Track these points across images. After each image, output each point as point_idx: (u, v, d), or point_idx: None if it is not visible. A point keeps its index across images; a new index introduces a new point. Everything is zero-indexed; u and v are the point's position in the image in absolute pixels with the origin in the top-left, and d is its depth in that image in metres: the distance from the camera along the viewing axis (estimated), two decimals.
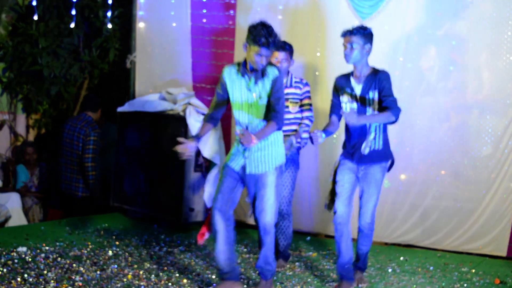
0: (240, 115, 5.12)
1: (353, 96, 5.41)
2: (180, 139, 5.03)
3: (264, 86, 5.03)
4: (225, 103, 5.24)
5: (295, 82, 6.14)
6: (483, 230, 6.86)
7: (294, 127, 6.05)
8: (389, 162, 5.52)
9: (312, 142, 5.24)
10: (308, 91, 6.18)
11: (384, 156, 5.46)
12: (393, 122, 5.30)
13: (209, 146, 7.44)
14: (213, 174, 7.49)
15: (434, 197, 7.07)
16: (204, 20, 7.99)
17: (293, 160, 6.04)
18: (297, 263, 6.32)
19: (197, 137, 5.15)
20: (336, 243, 5.52)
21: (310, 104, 6.18)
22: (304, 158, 7.06)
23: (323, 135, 5.25)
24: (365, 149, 5.36)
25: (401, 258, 6.58)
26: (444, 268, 6.34)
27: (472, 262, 6.58)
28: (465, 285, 5.81)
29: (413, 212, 7.04)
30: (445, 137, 6.98)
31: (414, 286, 5.71)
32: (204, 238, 5.79)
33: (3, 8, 8.42)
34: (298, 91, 6.12)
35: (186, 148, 4.99)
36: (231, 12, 7.85)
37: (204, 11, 7.98)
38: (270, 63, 5.09)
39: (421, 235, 7.02)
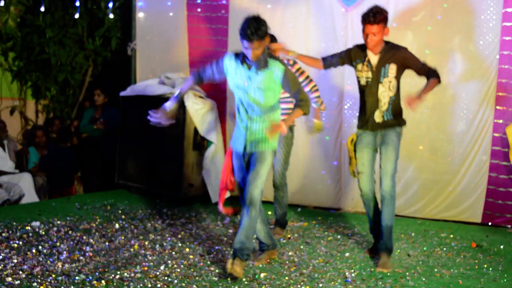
0: (240, 101, 5.03)
1: (368, 66, 5.33)
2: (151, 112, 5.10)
3: (265, 76, 4.87)
4: (212, 78, 5.17)
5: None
6: (459, 199, 6.93)
7: (290, 105, 5.91)
8: (403, 128, 5.43)
9: None
10: (299, 68, 6.04)
11: (397, 123, 5.37)
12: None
13: (206, 126, 7.44)
14: (210, 151, 7.49)
15: (414, 170, 7.12)
16: (199, 9, 7.94)
17: (286, 136, 5.98)
18: (289, 232, 6.33)
19: (175, 97, 5.24)
20: (367, 214, 5.55)
21: (308, 77, 6.06)
22: (296, 132, 7.07)
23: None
24: (379, 118, 5.32)
25: None
26: (425, 234, 6.39)
27: (450, 228, 6.64)
28: (444, 249, 5.86)
29: (396, 184, 7.05)
30: (422, 116, 6.99)
31: (398, 250, 5.74)
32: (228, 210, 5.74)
33: (12, 1, 8.32)
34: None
35: (158, 116, 5.10)
36: (224, 1, 7.80)
37: (199, 1, 7.92)
38: (273, 57, 4.94)
39: (403, 204, 7.05)
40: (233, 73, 5.00)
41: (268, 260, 5.27)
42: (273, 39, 6.00)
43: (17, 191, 7.57)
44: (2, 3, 7.86)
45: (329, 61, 5.58)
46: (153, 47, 8.23)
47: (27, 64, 8.71)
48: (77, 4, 8.19)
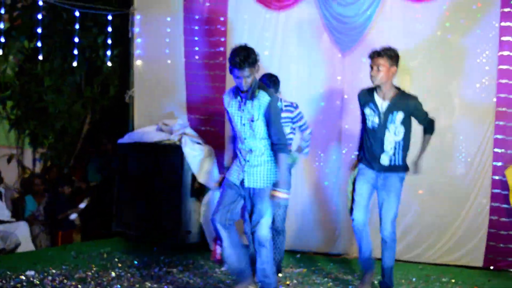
0: (239, 134, 5.07)
1: (375, 112, 5.32)
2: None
3: (254, 107, 4.92)
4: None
5: (285, 106, 6.05)
6: (460, 243, 6.84)
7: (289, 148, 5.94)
8: (406, 173, 5.47)
9: None
10: (300, 112, 6.09)
11: (402, 168, 5.41)
12: None
13: (204, 172, 7.39)
14: (207, 199, 7.43)
15: (414, 215, 7.04)
16: (197, 57, 7.96)
17: None
18: (288, 279, 6.20)
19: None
20: (357, 242, 5.56)
21: (305, 123, 6.13)
22: (294, 178, 7.02)
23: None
24: (385, 161, 5.34)
25: None
26: (426, 279, 6.27)
27: (451, 273, 6.52)
28: None
29: (396, 228, 6.96)
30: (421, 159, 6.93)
31: None
32: (217, 253, 5.62)
33: (11, 51, 8.37)
34: (290, 114, 6.03)
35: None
36: (222, 48, 7.83)
37: (197, 48, 7.96)
38: (263, 88, 4.98)
39: (403, 249, 6.93)
40: (230, 108, 5.07)
41: None
42: (276, 80, 5.99)
43: (13, 240, 7.49)
44: (1, 52, 7.89)
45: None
46: (150, 94, 8.23)
47: (25, 113, 8.71)
48: (75, 52, 8.20)
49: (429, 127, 5.48)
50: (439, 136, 6.87)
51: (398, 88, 5.42)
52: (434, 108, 6.88)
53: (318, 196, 7.41)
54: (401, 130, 5.32)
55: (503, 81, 6.62)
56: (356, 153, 5.77)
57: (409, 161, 5.60)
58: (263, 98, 4.91)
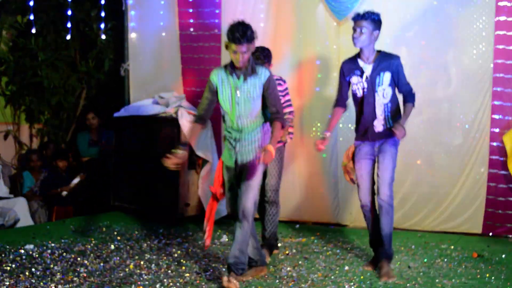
0: (229, 113, 4.97)
1: (362, 77, 5.29)
2: (168, 155, 4.92)
3: (254, 84, 4.88)
4: (213, 105, 5.11)
5: (275, 79, 5.96)
6: (458, 210, 6.86)
7: (289, 109, 5.93)
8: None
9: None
10: (287, 88, 6.02)
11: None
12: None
13: (201, 145, 7.37)
14: (205, 170, 7.41)
15: (412, 184, 7.05)
16: (192, 29, 7.90)
17: (278, 150, 5.88)
18: (288, 248, 6.22)
19: (184, 144, 5.05)
20: (367, 226, 5.48)
21: (289, 100, 6.02)
22: (291, 150, 7.01)
23: (327, 134, 5.32)
24: (379, 127, 5.28)
25: None
26: (425, 246, 6.29)
27: (450, 239, 6.54)
28: (445, 260, 5.76)
29: (394, 197, 6.95)
30: (418, 130, 6.93)
31: (398, 263, 5.64)
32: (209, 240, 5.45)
33: (4, 26, 8.28)
34: (279, 88, 5.94)
35: (174, 160, 4.91)
36: (216, 20, 7.77)
37: (191, 20, 7.89)
38: (260, 64, 4.98)
39: (402, 218, 6.95)
40: (221, 86, 4.96)
41: (253, 277, 5.12)
42: (268, 53, 5.95)
43: (12, 216, 7.47)
44: None
45: (344, 100, 5.52)
46: (146, 67, 8.18)
47: (20, 88, 8.63)
48: (69, 26, 8.12)
49: (409, 96, 5.31)
50: (436, 107, 6.89)
51: (379, 51, 5.36)
52: (430, 79, 6.89)
53: (316, 168, 7.40)
54: (389, 92, 5.26)
55: (500, 46, 6.58)
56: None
57: None
58: (263, 73, 4.90)
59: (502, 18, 6.55)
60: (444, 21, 6.85)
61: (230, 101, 4.94)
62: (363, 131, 5.37)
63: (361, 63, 5.32)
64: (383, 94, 5.25)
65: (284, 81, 6.04)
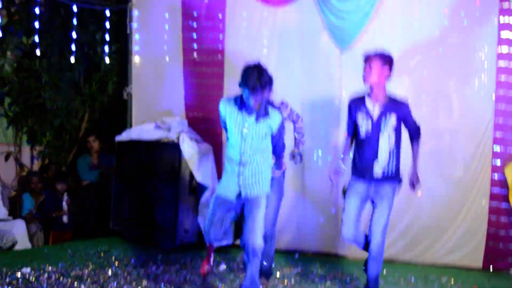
0: (235, 147, 4.92)
1: (368, 117, 5.24)
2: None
3: (265, 125, 4.86)
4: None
5: (277, 107, 5.88)
6: (459, 243, 6.80)
7: None
8: (399, 185, 5.35)
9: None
10: (292, 109, 5.79)
11: (395, 178, 5.29)
12: None
13: (202, 171, 7.34)
14: (205, 197, 7.37)
15: (412, 216, 7.00)
16: (195, 54, 7.92)
17: (279, 183, 5.79)
18: (286, 278, 6.15)
19: None
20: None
21: (297, 114, 5.85)
22: (291, 178, 6.97)
23: (343, 167, 5.42)
24: (378, 170, 5.22)
25: (384, 271, 6.37)
26: (425, 280, 6.23)
27: (451, 273, 6.49)
28: None
29: (393, 229, 6.89)
30: (420, 161, 6.86)
31: None
32: (206, 268, 5.37)
33: (9, 47, 8.30)
34: (283, 114, 5.86)
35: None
36: (220, 46, 7.78)
37: (195, 45, 7.92)
38: (272, 105, 5.04)
39: (401, 250, 6.91)
40: (231, 118, 4.92)
41: None
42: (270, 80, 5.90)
43: (10, 238, 7.43)
44: None
45: (351, 132, 5.50)
46: (149, 91, 8.19)
47: (23, 110, 8.64)
48: (73, 48, 8.15)
49: (416, 133, 5.34)
50: (437, 138, 6.85)
51: (390, 94, 5.33)
52: (432, 109, 6.86)
53: (316, 198, 7.36)
54: (393, 137, 5.21)
55: (502, 78, 6.57)
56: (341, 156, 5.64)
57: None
58: (276, 117, 4.90)
59: (505, 49, 6.56)
60: (446, 52, 6.85)
61: (237, 136, 4.89)
62: (362, 170, 5.30)
63: (368, 103, 5.25)
64: (389, 137, 5.20)
65: (286, 106, 5.85)
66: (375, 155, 5.21)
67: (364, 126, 5.25)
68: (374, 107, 5.22)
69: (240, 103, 4.86)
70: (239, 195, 4.95)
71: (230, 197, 4.97)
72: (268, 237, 5.75)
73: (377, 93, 5.23)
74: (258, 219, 4.88)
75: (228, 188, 4.99)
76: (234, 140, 4.92)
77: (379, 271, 5.28)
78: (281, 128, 5.05)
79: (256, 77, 4.61)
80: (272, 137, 4.97)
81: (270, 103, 5.00)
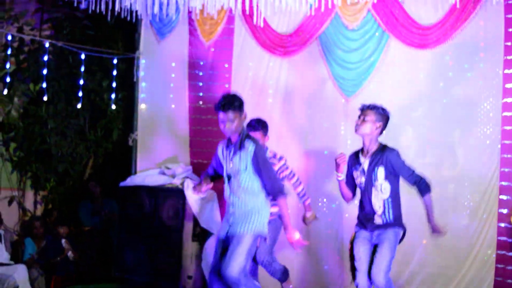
0: (227, 186, 5.00)
1: (361, 172, 5.34)
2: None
3: (242, 159, 4.89)
4: (215, 174, 5.23)
5: (270, 157, 5.95)
6: None
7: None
8: (402, 231, 5.37)
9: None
10: (284, 164, 6.03)
11: (396, 225, 5.33)
12: None
13: (206, 217, 7.31)
14: (210, 243, 7.32)
15: (418, 263, 6.92)
16: (201, 102, 7.99)
17: (275, 225, 5.86)
18: None
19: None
20: None
21: (291, 172, 6.06)
22: (296, 225, 6.91)
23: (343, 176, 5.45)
24: (378, 220, 5.29)
25: None
26: None
27: None
28: None
29: (398, 277, 6.82)
30: (423, 210, 6.83)
31: None
32: None
33: (16, 93, 8.38)
34: (274, 166, 5.84)
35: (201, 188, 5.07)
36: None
37: (201, 93, 7.99)
38: (249, 136, 4.97)
39: None
40: (222, 158, 5.03)
41: None
42: (264, 124, 5.99)
43: (12, 282, 7.34)
44: (6, 93, 7.92)
45: (352, 193, 5.66)
46: (154, 137, 8.23)
47: (28, 155, 8.67)
48: (80, 95, 8.23)
49: (421, 186, 5.33)
50: (442, 187, 6.78)
51: (380, 144, 5.41)
52: (436, 159, 6.86)
53: (321, 244, 7.30)
54: (387, 186, 5.28)
55: (508, 127, 6.59)
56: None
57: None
58: (248, 147, 4.88)
59: (510, 99, 6.59)
60: (450, 102, 6.87)
61: (224, 174, 4.99)
62: (364, 221, 5.41)
63: (361, 157, 5.41)
64: (381, 189, 5.30)
65: (280, 158, 6.02)
66: (372, 209, 5.32)
67: (359, 180, 5.41)
68: (364, 161, 5.36)
69: (227, 140, 4.99)
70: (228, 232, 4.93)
71: (221, 235, 4.98)
72: (267, 263, 5.83)
73: (368, 145, 5.38)
74: (236, 255, 4.78)
75: (223, 228, 5.03)
76: (225, 179, 5.00)
77: None
78: (258, 160, 4.87)
79: (229, 99, 4.84)
80: (258, 174, 4.88)
81: (248, 136, 4.98)
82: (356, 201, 6.86)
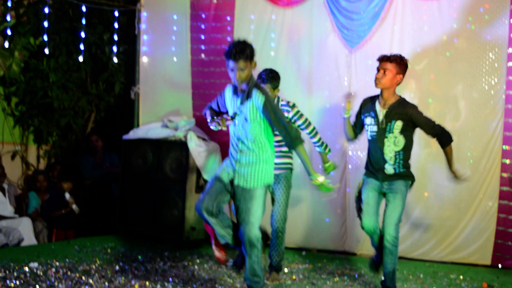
0: (232, 132, 4.93)
1: (375, 120, 5.29)
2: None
3: (249, 107, 4.79)
4: (218, 111, 5.19)
5: (281, 105, 5.82)
6: (467, 242, 6.80)
7: (284, 148, 5.79)
8: (411, 182, 5.35)
9: None
10: (298, 111, 5.83)
11: (406, 176, 5.31)
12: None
13: (210, 169, 7.33)
14: None
15: (420, 215, 6.99)
16: (203, 54, 7.95)
17: (286, 179, 5.83)
18: (295, 274, 6.14)
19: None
20: (372, 244, 5.47)
21: (306, 120, 5.85)
22: (298, 177, 6.96)
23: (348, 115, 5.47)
24: (389, 170, 5.26)
25: None
26: (434, 276, 6.21)
27: (459, 270, 6.47)
28: None
29: (401, 227, 6.82)
30: (426, 162, 6.91)
31: None
32: (220, 254, 5.24)
33: (17, 47, 8.32)
34: (286, 114, 5.81)
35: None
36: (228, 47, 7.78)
37: (203, 46, 7.94)
38: (257, 86, 4.83)
39: (410, 247, 6.90)
40: (228, 104, 4.98)
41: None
42: (275, 75, 5.86)
43: (16, 235, 7.41)
44: (7, 44, 7.87)
45: (355, 134, 5.64)
46: (156, 91, 8.20)
47: (30, 109, 8.65)
48: (81, 48, 8.18)
49: (443, 138, 5.32)
50: None
51: (399, 97, 5.35)
52: (439, 112, 6.86)
53: (323, 198, 7.32)
54: (401, 140, 5.24)
55: None
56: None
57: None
58: (257, 98, 4.76)
59: None
60: (454, 55, 6.85)
61: (232, 121, 4.90)
62: (374, 170, 5.36)
63: (377, 106, 5.31)
64: (394, 141, 5.23)
65: (293, 106, 5.83)
66: (383, 159, 5.27)
67: (371, 128, 5.32)
68: (381, 111, 5.27)
69: (234, 87, 4.92)
70: (232, 182, 4.88)
71: (224, 178, 4.90)
72: (279, 232, 5.77)
73: (386, 97, 5.28)
74: (253, 210, 4.76)
75: (224, 169, 4.95)
76: (231, 126, 4.93)
77: (395, 265, 5.26)
78: (269, 110, 4.75)
79: (239, 47, 4.69)
80: (270, 124, 4.80)
81: (256, 85, 4.83)
82: (359, 152, 6.98)
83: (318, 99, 7.37)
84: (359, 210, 5.37)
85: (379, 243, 5.36)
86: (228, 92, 5.02)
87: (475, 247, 6.72)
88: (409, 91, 6.93)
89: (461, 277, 6.16)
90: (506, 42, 6.56)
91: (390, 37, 7.04)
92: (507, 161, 6.60)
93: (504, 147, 6.62)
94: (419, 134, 6.78)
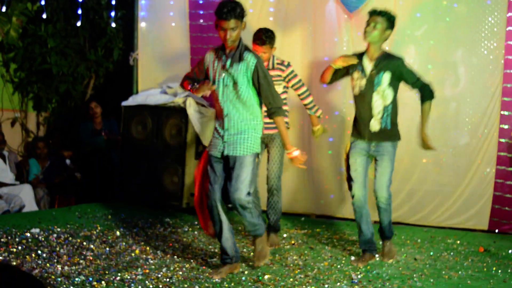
0: (217, 95, 4.80)
1: (362, 74, 5.29)
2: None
3: (240, 70, 4.68)
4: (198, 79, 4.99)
5: (277, 63, 5.84)
6: (465, 207, 6.86)
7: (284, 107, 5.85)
8: (398, 141, 5.36)
9: None
10: (293, 71, 5.84)
11: (393, 135, 5.30)
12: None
13: (208, 136, 7.36)
14: None
15: (418, 181, 7.04)
16: (201, 20, 7.92)
17: (280, 138, 5.80)
18: (294, 239, 6.23)
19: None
20: (357, 223, 5.43)
21: (300, 81, 5.89)
22: (295, 140, 7.00)
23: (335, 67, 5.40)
24: (375, 126, 5.26)
25: None
26: (431, 240, 6.29)
27: (456, 235, 6.55)
28: (451, 253, 5.76)
29: (399, 192, 6.95)
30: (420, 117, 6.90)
31: (404, 255, 5.65)
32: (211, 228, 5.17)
33: (14, 12, 8.30)
34: (280, 73, 5.84)
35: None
36: None
37: (201, 11, 7.91)
38: (248, 49, 4.76)
39: (407, 212, 6.97)
40: (211, 67, 4.84)
41: (227, 274, 4.84)
42: (271, 35, 5.80)
43: (18, 202, 7.48)
44: (4, 9, 7.85)
45: (332, 80, 5.55)
46: (155, 57, 8.19)
47: (29, 75, 8.65)
48: (79, 13, 8.16)
49: (425, 91, 5.25)
50: (443, 106, 6.84)
51: (384, 51, 5.34)
52: (438, 78, 6.85)
53: (321, 163, 7.39)
54: (389, 92, 5.22)
55: None
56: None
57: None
58: (249, 60, 4.67)
59: None
60: (454, 21, 6.83)
61: (217, 83, 4.78)
62: (360, 129, 5.35)
63: (365, 60, 5.31)
64: (383, 95, 5.24)
65: (288, 65, 5.84)
66: (370, 113, 5.26)
67: (359, 83, 5.30)
68: (368, 64, 5.27)
69: (221, 49, 4.80)
70: (223, 153, 4.78)
71: (215, 154, 4.83)
72: (273, 190, 5.86)
73: (373, 51, 5.28)
74: (242, 178, 4.68)
75: (214, 145, 4.87)
76: (216, 89, 4.79)
77: (390, 218, 5.39)
78: (259, 74, 4.67)
79: (230, 6, 4.61)
80: (258, 87, 4.72)
81: (246, 48, 4.74)
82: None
83: (318, 63, 7.36)
84: (349, 179, 5.39)
85: (364, 230, 5.39)
86: (210, 56, 4.89)
87: (473, 212, 6.79)
88: (408, 57, 6.90)
89: (458, 241, 6.24)
90: (505, 6, 6.54)
91: (390, 2, 6.99)
92: (506, 127, 6.62)
93: (502, 112, 6.63)
94: (418, 102, 6.83)
